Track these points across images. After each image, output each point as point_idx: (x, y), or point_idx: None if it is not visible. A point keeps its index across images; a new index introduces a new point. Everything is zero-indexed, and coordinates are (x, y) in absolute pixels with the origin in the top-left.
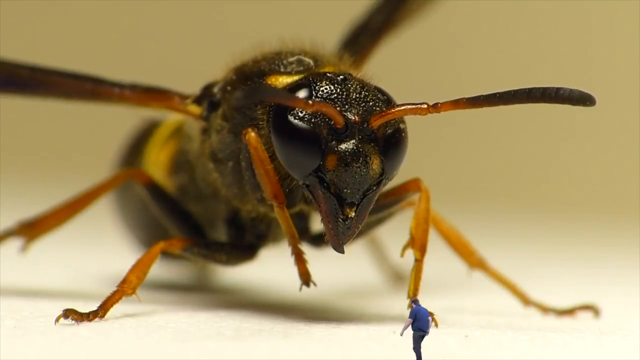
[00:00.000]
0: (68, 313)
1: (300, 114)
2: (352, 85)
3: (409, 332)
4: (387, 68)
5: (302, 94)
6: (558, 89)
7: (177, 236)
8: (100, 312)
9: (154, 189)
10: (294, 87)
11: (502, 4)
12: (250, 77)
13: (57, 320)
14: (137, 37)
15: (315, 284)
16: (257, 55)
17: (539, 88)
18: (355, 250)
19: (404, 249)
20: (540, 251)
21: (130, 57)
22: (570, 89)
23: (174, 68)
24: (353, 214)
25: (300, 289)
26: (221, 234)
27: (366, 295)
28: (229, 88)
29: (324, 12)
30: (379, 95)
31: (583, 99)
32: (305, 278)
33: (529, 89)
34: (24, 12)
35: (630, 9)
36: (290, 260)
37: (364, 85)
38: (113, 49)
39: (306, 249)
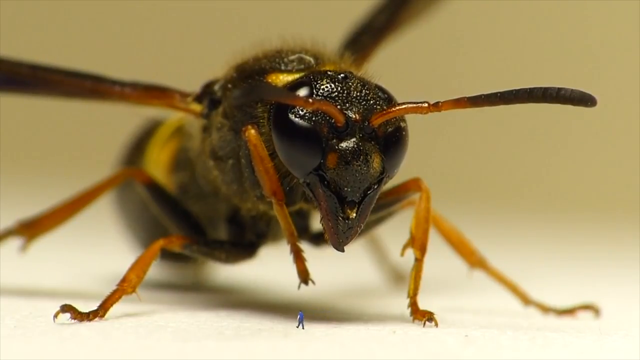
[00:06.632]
0: (66, 308)
1: (300, 112)
2: (352, 84)
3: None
4: (388, 66)
5: (302, 92)
6: (559, 89)
7: (177, 233)
8: (100, 312)
9: (154, 187)
10: (294, 85)
11: (503, 4)
12: (250, 75)
13: (55, 316)
14: (137, 37)
15: (314, 282)
16: (257, 53)
17: (540, 88)
18: (355, 250)
19: (404, 248)
20: (540, 251)
21: (131, 57)
22: (572, 90)
23: (174, 67)
24: (354, 214)
25: (299, 287)
26: (221, 232)
27: (366, 295)
28: (229, 86)
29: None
30: (379, 94)
31: (584, 100)
32: (304, 276)
33: (530, 88)
34: (24, 11)
35: (630, 9)
36: (290, 259)
37: (364, 83)
38: (113, 49)
39: (306, 248)
